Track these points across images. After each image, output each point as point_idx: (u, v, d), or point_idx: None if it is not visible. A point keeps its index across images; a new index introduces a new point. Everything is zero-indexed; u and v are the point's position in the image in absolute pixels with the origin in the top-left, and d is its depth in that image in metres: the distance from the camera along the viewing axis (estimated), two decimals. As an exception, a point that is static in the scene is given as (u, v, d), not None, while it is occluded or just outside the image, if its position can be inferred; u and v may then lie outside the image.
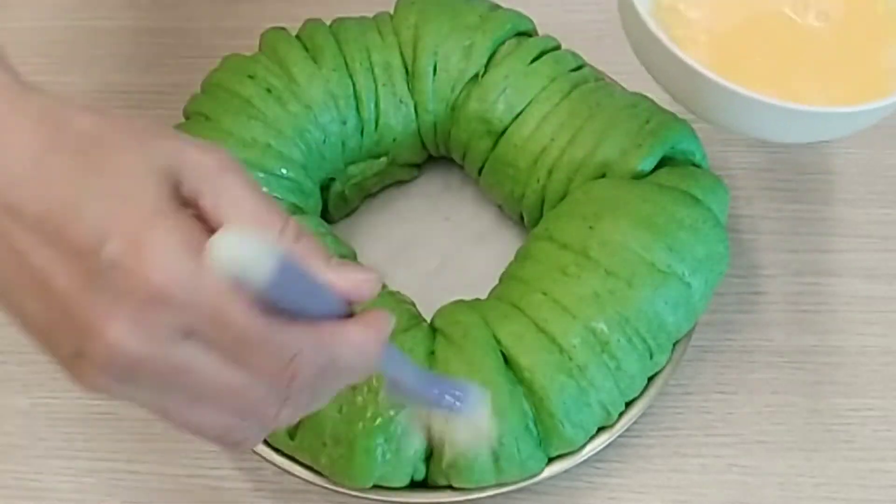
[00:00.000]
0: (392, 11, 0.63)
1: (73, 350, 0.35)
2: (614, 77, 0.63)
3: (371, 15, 0.63)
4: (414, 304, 0.58)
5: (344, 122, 0.60)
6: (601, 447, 0.54)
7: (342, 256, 0.57)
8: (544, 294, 0.53)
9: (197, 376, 0.36)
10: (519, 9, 0.62)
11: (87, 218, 0.34)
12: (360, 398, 0.51)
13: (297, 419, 0.39)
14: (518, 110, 0.59)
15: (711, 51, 0.51)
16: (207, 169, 0.37)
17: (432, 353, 0.53)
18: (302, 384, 0.37)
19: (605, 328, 0.52)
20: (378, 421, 0.51)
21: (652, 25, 0.48)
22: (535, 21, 0.62)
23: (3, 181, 0.35)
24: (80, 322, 0.34)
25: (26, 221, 0.35)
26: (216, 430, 0.38)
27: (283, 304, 0.35)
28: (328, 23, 0.62)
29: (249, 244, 0.33)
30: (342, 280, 0.38)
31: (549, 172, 0.58)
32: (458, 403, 0.46)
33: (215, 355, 0.36)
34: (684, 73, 0.48)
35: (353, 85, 0.60)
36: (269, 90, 0.58)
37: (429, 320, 0.56)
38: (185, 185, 0.36)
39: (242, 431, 0.39)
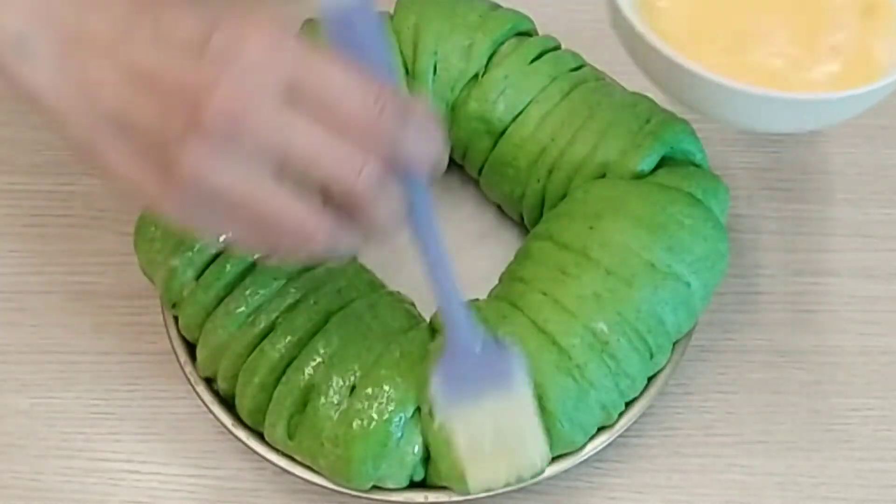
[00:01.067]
0: (392, 11, 0.63)
1: (181, 130, 0.38)
2: (614, 77, 0.63)
3: (371, 15, 0.63)
4: (414, 305, 0.58)
5: (344, 122, 0.60)
6: (601, 447, 0.54)
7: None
8: (544, 294, 0.53)
9: (292, 136, 0.39)
10: (519, 9, 0.62)
11: (194, 20, 0.39)
12: (357, 400, 0.51)
13: (378, 209, 0.41)
14: (518, 110, 0.59)
15: (690, 39, 0.50)
16: None
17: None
18: (384, 132, 0.40)
19: (605, 328, 0.52)
20: (375, 423, 0.51)
21: (632, 20, 0.48)
22: (535, 21, 0.62)
23: (109, 12, 0.41)
24: (189, 95, 0.38)
25: (139, 41, 0.40)
26: (296, 223, 0.40)
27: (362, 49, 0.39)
28: (328, 23, 0.62)
29: None
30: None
31: (549, 172, 0.58)
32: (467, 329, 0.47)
33: (312, 118, 0.39)
34: (665, 65, 0.47)
35: (353, 85, 0.60)
36: (268, 90, 0.58)
37: (428, 320, 0.56)
38: None
39: (322, 232, 0.41)
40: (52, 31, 0.41)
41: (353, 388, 0.52)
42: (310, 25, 0.62)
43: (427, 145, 0.42)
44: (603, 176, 0.57)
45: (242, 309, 0.54)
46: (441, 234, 0.46)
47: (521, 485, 0.53)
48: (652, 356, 0.54)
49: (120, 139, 0.41)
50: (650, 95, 0.60)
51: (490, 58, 0.60)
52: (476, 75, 0.60)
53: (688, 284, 0.54)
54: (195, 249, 0.54)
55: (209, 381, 0.56)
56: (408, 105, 0.41)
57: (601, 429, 0.55)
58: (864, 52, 0.50)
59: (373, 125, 0.40)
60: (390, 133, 0.40)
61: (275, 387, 0.53)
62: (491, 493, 0.53)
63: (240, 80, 0.38)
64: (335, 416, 0.51)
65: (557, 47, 0.62)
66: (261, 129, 0.39)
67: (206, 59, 0.38)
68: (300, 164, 0.40)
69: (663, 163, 0.57)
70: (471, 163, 0.62)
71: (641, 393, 0.55)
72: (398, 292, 0.58)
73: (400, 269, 0.62)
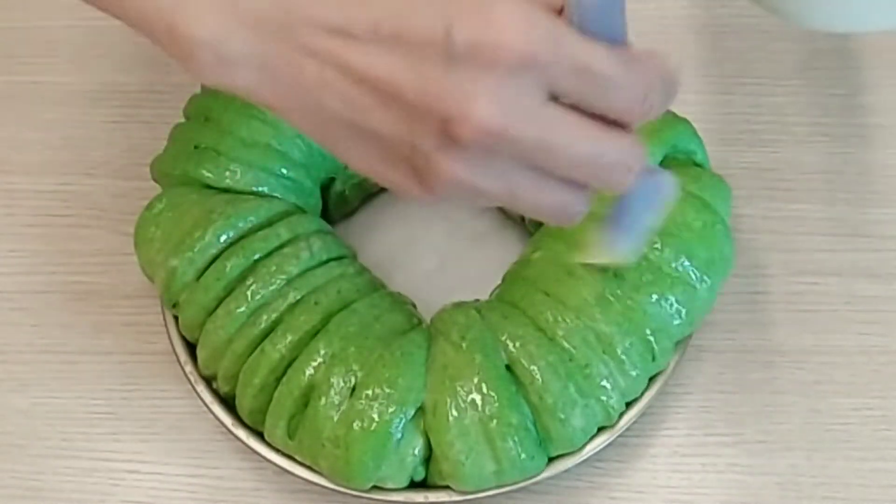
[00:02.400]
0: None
1: (434, 144, 0.35)
2: (614, 77, 0.63)
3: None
4: (414, 305, 0.58)
5: (344, 122, 0.60)
6: (601, 447, 0.54)
7: (341, 257, 0.57)
8: (547, 294, 0.53)
9: (558, 139, 0.36)
10: (519, 9, 0.62)
11: (422, 12, 0.34)
12: (358, 401, 0.51)
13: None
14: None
15: None
16: None
17: (432, 354, 0.53)
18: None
19: (608, 330, 0.52)
20: (376, 424, 0.51)
21: None
22: (535, 21, 0.62)
23: (323, 7, 0.35)
24: (441, 110, 0.35)
25: (359, 38, 0.35)
26: (556, 205, 0.39)
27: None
28: (328, 22, 0.62)
29: None
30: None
31: (550, 172, 0.58)
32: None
33: (576, 116, 0.36)
34: None
35: (353, 85, 0.60)
36: (269, 90, 0.58)
37: (429, 320, 0.57)
38: None
39: (580, 204, 0.40)
40: (247, 30, 0.37)
41: (353, 388, 0.52)
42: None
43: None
44: (603, 176, 0.57)
45: (243, 309, 0.54)
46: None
47: (522, 485, 0.53)
48: (654, 358, 0.54)
49: (360, 142, 0.38)
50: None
51: (490, 58, 0.60)
52: (476, 75, 0.60)
53: (694, 287, 0.53)
54: (195, 249, 0.54)
55: (209, 381, 0.56)
56: (669, 84, 0.38)
57: (601, 429, 0.54)
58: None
59: (642, 119, 0.38)
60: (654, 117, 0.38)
61: (275, 387, 0.53)
62: (491, 493, 0.53)
63: (498, 88, 0.34)
64: (336, 417, 0.51)
65: (557, 47, 0.62)
66: (524, 137, 0.36)
67: (453, 62, 0.34)
68: (565, 166, 0.37)
69: (665, 163, 0.57)
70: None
71: (642, 393, 0.55)
72: (399, 293, 0.58)
73: (400, 269, 0.62)
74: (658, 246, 0.53)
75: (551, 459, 0.54)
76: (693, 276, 0.53)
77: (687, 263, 0.53)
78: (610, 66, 0.36)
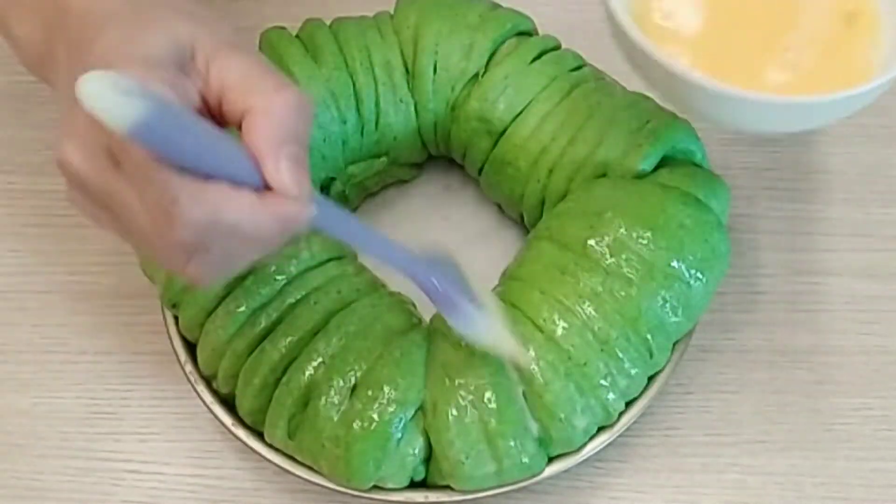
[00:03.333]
0: (392, 11, 0.63)
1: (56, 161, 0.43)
2: (614, 77, 0.63)
3: (371, 15, 0.63)
4: (414, 305, 0.58)
5: (344, 122, 0.60)
6: (602, 447, 0.54)
7: (341, 257, 0.57)
8: (543, 293, 0.53)
9: (121, 206, 0.42)
10: (519, 9, 0.62)
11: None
12: (358, 400, 0.51)
13: (211, 278, 0.43)
14: (518, 110, 0.59)
15: (692, 49, 0.51)
16: (216, 45, 0.42)
17: (431, 354, 0.53)
18: (188, 235, 0.40)
19: (605, 328, 0.52)
20: (376, 423, 0.51)
21: (629, 29, 0.49)
22: (535, 21, 0.62)
23: None
24: (59, 139, 0.42)
25: None
26: (158, 257, 0.43)
27: (167, 153, 0.38)
28: (328, 22, 0.62)
29: (113, 88, 0.36)
30: (276, 175, 0.40)
31: (550, 172, 0.58)
32: (438, 289, 0.49)
33: (132, 191, 0.41)
34: (659, 72, 0.48)
35: (354, 84, 0.60)
36: (269, 90, 0.58)
37: (428, 320, 0.57)
38: (197, 57, 0.42)
39: (172, 267, 0.43)
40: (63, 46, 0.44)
41: (353, 388, 0.52)
42: (310, 25, 0.62)
43: (255, 232, 0.41)
44: (604, 175, 0.57)
45: (243, 309, 0.54)
46: (377, 236, 0.50)
47: (522, 484, 0.53)
48: (652, 356, 0.54)
49: None
50: (650, 95, 0.60)
51: (490, 57, 0.60)
52: (476, 75, 0.60)
53: (689, 285, 0.54)
54: (195, 249, 0.54)
55: (209, 381, 0.56)
56: (216, 203, 0.40)
57: (601, 428, 0.55)
58: (849, 56, 0.52)
59: (165, 222, 0.40)
60: (194, 236, 0.41)
61: (275, 387, 0.53)
62: (491, 493, 0.53)
63: (77, 142, 0.41)
64: (336, 417, 0.51)
65: (557, 47, 0.62)
66: (97, 189, 0.42)
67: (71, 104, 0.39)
68: (125, 221, 0.43)
69: (664, 162, 0.57)
70: (471, 162, 0.62)
71: (641, 393, 0.55)
72: (398, 292, 0.58)
73: (400, 268, 0.62)
74: (652, 244, 0.53)
75: (551, 459, 0.54)
76: (687, 274, 0.53)
77: (681, 261, 0.53)
78: (135, 159, 0.39)
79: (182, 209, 0.39)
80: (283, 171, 0.40)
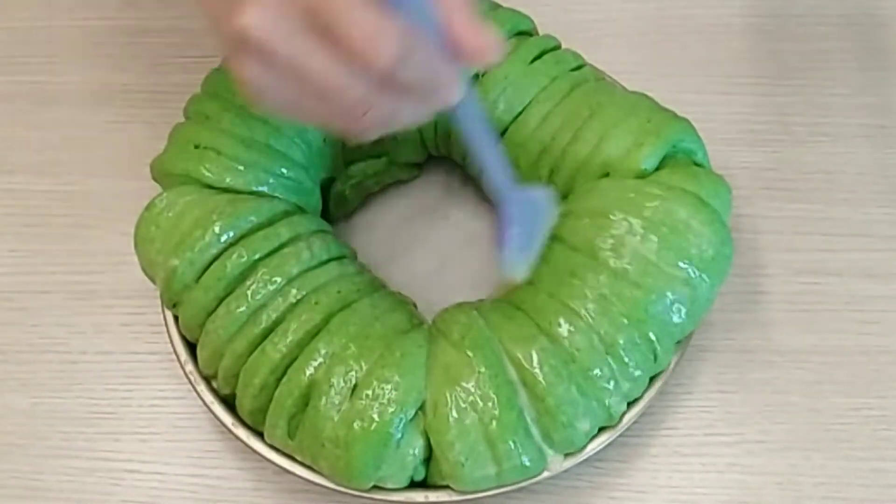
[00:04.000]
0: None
1: (227, 38, 0.41)
2: (614, 77, 0.63)
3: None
4: (415, 305, 0.58)
5: (344, 122, 0.60)
6: (602, 447, 0.54)
7: (341, 257, 0.57)
8: (550, 296, 0.53)
9: (308, 62, 0.40)
10: (519, 9, 0.62)
11: None
12: (358, 400, 0.51)
13: (384, 127, 0.44)
14: (518, 110, 0.59)
15: None
16: None
17: (433, 354, 0.53)
18: (387, 76, 0.40)
19: (610, 331, 0.52)
20: (376, 424, 0.51)
21: None
22: (535, 21, 0.62)
23: None
24: (227, 14, 0.41)
25: None
26: (339, 122, 0.43)
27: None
28: (328, 22, 0.62)
29: None
30: (463, 30, 0.42)
31: (551, 172, 0.58)
32: (511, 191, 0.51)
33: (329, 50, 0.40)
34: None
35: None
36: (269, 90, 0.58)
37: (429, 320, 0.56)
38: None
39: (365, 124, 0.43)
40: None
41: (353, 388, 0.52)
42: None
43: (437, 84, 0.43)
44: (606, 175, 0.57)
45: (243, 309, 0.54)
46: (491, 138, 0.50)
47: (522, 485, 0.53)
48: (656, 358, 0.54)
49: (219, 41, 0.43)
50: (650, 95, 0.60)
51: (490, 57, 0.60)
52: (476, 75, 0.60)
53: (694, 286, 0.53)
54: (195, 249, 0.54)
55: (209, 381, 0.56)
56: (417, 49, 0.41)
57: (602, 429, 0.55)
58: None
59: (369, 58, 0.40)
60: (389, 79, 0.41)
61: (275, 387, 0.53)
62: (491, 493, 0.53)
63: (264, 6, 0.40)
64: (336, 417, 0.51)
65: (557, 47, 0.62)
66: (280, 52, 0.40)
67: None
68: (316, 88, 0.41)
69: (665, 162, 0.57)
70: (471, 163, 0.62)
71: (642, 393, 0.55)
72: (399, 293, 0.58)
73: (400, 269, 0.62)
74: (659, 245, 0.53)
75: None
76: (692, 275, 0.53)
77: (686, 262, 0.53)
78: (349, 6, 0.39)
79: (389, 49, 0.39)
80: (470, 25, 0.42)
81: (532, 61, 0.60)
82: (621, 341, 0.52)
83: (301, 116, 0.44)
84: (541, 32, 0.63)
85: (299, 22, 0.40)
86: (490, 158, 0.50)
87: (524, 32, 0.62)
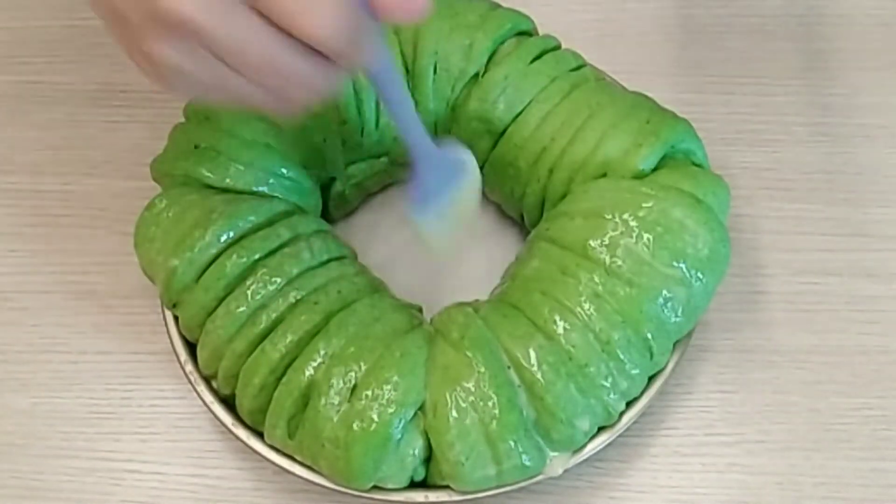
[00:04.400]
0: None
1: (146, 25, 0.39)
2: (614, 77, 0.63)
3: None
4: (414, 306, 0.58)
5: (344, 122, 0.60)
6: (602, 446, 0.54)
7: (341, 257, 0.57)
8: (544, 294, 0.53)
9: (246, 42, 0.39)
10: (519, 9, 0.62)
11: None
12: (358, 401, 0.51)
13: (314, 99, 0.42)
14: (518, 110, 0.59)
15: None
16: None
17: (432, 355, 0.53)
18: (324, 46, 0.39)
19: (605, 328, 0.52)
20: (376, 424, 0.51)
21: None
22: (535, 21, 0.62)
23: None
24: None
25: None
26: (266, 101, 0.42)
27: None
28: (328, 22, 0.62)
29: None
30: None
31: (550, 172, 0.58)
32: (424, 149, 0.52)
33: (268, 27, 0.39)
34: None
35: (354, 84, 0.60)
36: (269, 90, 0.58)
37: (428, 320, 0.56)
38: None
39: (291, 102, 0.42)
40: None
41: (353, 388, 0.52)
42: None
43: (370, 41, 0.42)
44: (604, 176, 0.57)
45: (243, 309, 0.54)
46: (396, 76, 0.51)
47: (522, 484, 0.53)
48: (653, 356, 0.54)
49: (118, 29, 0.41)
50: (650, 95, 0.60)
51: (490, 57, 0.60)
52: (476, 75, 0.60)
53: (689, 285, 0.53)
54: (195, 249, 0.54)
55: (209, 381, 0.56)
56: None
57: (602, 428, 0.55)
58: None
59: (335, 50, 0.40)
60: (345, 52, 0.40)
61: (275, 387, 0.53)
62: (491, 493, 0.53)
63: None
64: (336, 417, 0.51)
65: (557, 47, 0.62)
66: (216, 32, 0.39)
67: None
68: (253, 69, 0.40)
69: (664, 162, 0.57)
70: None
71: (641, 393, 0.55)
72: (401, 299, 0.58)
73: (400, 269, 0.62)
74: (653, 244, 0.53)
75: (552, 458, 0.54)
76: (688, 275, 0.53)
77: (681, 262, 0.53)
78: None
79: (323, 5, 0.38)
80: None
81: (532, 61, 0.60)
82: (617, 339, 0.52)
83: (224, 98, 0.42)
84: (541, 32, 0.63)
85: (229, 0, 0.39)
86: (405, 118, 0.50)
87: (524, 32, 0.62)
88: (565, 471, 0.54)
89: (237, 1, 0.39)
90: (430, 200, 0.54)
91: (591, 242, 0.53)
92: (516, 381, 0.52)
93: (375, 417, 0.51)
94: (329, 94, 0.43)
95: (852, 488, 0.57)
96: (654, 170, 0.57)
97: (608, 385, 0.53)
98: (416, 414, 0.52)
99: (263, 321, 0.54)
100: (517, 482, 0.53)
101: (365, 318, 0.54)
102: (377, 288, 0.57)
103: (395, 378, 0.51)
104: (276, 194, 0.57)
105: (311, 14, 0.39)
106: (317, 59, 0.41)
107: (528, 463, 0.52)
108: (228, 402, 0.56)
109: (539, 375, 0.51)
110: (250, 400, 0.54)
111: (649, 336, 0.53)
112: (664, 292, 0.53)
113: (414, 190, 0.54)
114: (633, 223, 0.54)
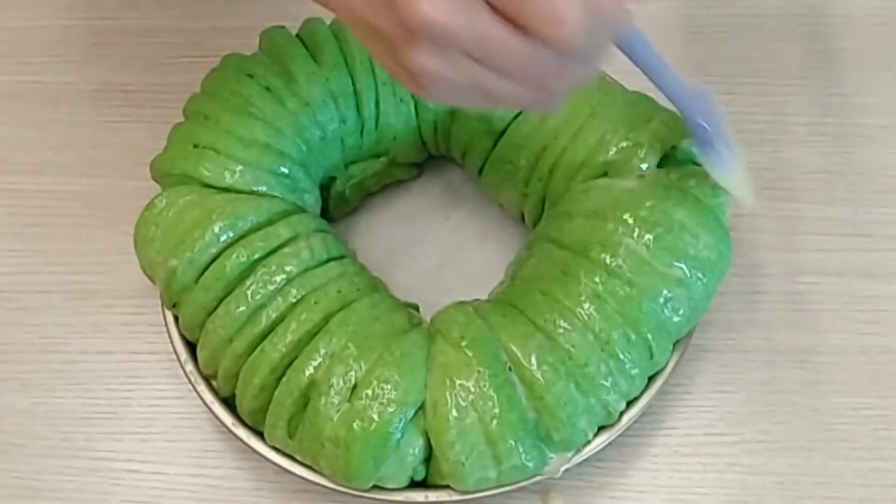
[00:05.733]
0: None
1: (396, 31, 0.40)
2: (614, 76, 0.63)
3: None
4: (411, 305, 0.58)
5: (343, 121, 0.60)
6: (602, 446, 0.54)
7: (341, 256, 0.57)
8: (544, 294, 0.53)
9: (492, 39, 0.39)
10: (519, 8, 0.62)
11: None
12: (358, 400, 0.51)
13: (568, 91, 0.43)
14: (518, 109, 0.59)
15: None
16: None
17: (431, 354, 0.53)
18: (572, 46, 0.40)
19: (605, 328, 0.52)
20: (376, 424, 0.51)
21: None
22: (535, 21, 0.62)
23: None
24: (399, 4, 0.39)
25: None
26: (525, 99, 0.43)
27: None
28: (328, 22, 0.62)
29: None
30: None
31: (550, 171, 0.58)
32: (705, 131, 0.54)
33: (508, 23, 0.39)
34: None
35: (354, 84, 0.60)
36: (268, 88, 0.58)
37: (428, 320, 0.56)
38: None
39: (550, 98, 0.43)
40: None
41: (353, 388, 0.52)
42: (310, 24, 0.62)
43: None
44: (604, 175, 0.57)
45: (243, 309, 0.54)
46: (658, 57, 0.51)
47: (522, 484, 0.53)
48: (652, 356, 0.54)
49: (372, 40, 0.43)
50: (650, 95, 0.60)
51: (490, 58, 0.60)
52: (476, 75, 0.60)
53: (689, 285, 0.53)
54: (195, 249, 0.54)
55: (209, 381, 0.56)
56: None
57: (602, 428, 0.55)
58: None
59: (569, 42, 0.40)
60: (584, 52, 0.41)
61: (275, 387, 0.53)
62: (491, 493, 0.53)
63: None
64: (336, 417, 0.51)
65: (557, 47, 0.62)
66: (462, 33, 0.39)
67: None
68: (503, 65, 0.40)
69: (664, 162, 0.57)
70: (471, 163, 0.62)
71: (642, 392, 0.55)
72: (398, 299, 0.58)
73: (400, 269, 0.62)
74: (653, 244, 0.53)
75: (552, 458, 0.54)
76: (688, 275, 0.53)
77: (682, 262, 0.53)
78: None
79: (567, 7, 0.39)
80: None
81: (532, 61, 0.60)
82: (617, 339, 0.52)
83: (481, 101, 0.43)
84: (541, 32, 0.63)
85: (474, 4, 0.39)
86: (665, 80, 0.52)
87: (524, 32, 0.62)
88: (565, 471, 0.54)
89: (480, 5, 0.39)
90: (715, 142, 0.54)
91: (593, 242, 0.53)
92: (516, 380, 0.52)
93: (375, 417, 0.51)
94: (588, 80, 0.44)
95: (852, 488, 0.57)
96: (655, 169, 0.57)
97: (608, 385, 0.53)
98: (416, 413, 0.52)
99: (263, 321, 0.54)
100: (517, 482, 0.53)
101: (365, 318, 0.54)
102: (377, 287, 0.57)
103: (396, 377, 0.51)
104: (275, 194, 0.57)
105: (556, 16, 0.39)
106: (569, 57, 0.41)
107: (528, 463, 0.52)
108: (228, 402, 0.56)
109: (539, 375, 0.51)
110: (250, 400, 0.54)
111: (649, 336, 0.53)
112: (664, 292, 0.53)
113: (700, 146, 0.55)
114: (633, 223, 0.54)
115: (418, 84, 0.42)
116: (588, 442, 0.54)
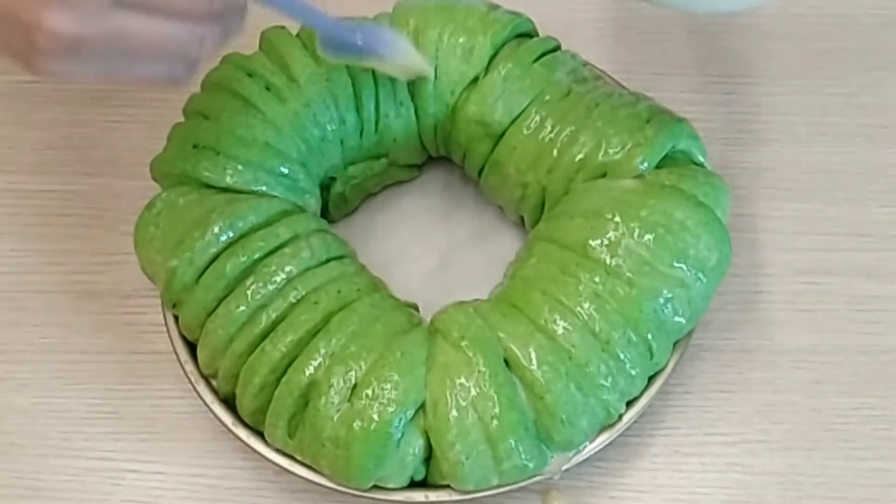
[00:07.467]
0: (390, 14, 0.63)
1: (24, 46, 0.41)
2: (614, 77, 0.63)
3: (371, 15, 0.63)
4: (410, 304, 0.58)
5: (343, 122, 0.60)
6: (602, 446, 0.54)
7: (341, 256, 0.57)
8: (544, 294, 0.53)
9: (131, 37, 0.42)
10: (519, 9, 0.62)
11: None
12: (358, 400, 0.51)
13: (217, 51, 0.46)
14: (517, 112, 0.59)
15: None
16: None
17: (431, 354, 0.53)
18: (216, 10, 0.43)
19: (605, 328, 0.52)
20: (376, 424, 0.51)
21: None
22: (535, 21, 0.62)
23: None
24: (22, 21, 0.40)
25: None
26: (158, 77, 0.45)
27: None
28: (328, 22, 0.62)
29: None
30: None
31: (549, 172, 0.58)
32: (372, 44, 0.56)
33: (142, 15, 0.41)
34: None
35: (353, 85, 0.60)
36: (267, 88, 0.58)
37: (428, 320, 0.56)
38: None
39: (178, 71, 0.45)
40: None
41: (353, 388, 0.52)
42: (266, 35, 0.62)
43: None
44: (604, 175, 0.57)
45: (243, 309, 0.54)
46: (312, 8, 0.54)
47: (522, 484, 0.53)
48: (653, 356, 0.54)
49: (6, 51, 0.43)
50: (650, 95, 0.60)
51: (490, 60, 0.60)
52: (476, 78, 0.60)
53: (690, 285, 0.54)
54: (195, 249, 0.54)
55: (209, 381, 0.56)
56: None
57: (602, 428, 0.54)
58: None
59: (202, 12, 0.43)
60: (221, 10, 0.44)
61: (275, 387, 0.53)
62: (491, 493, 0.53)
63: (63, 4, 0.39)
64: (336, 417, 0.51)
65: (557, 48, 0.62)
66: (97, 38, 0.41)
67: None
68: (141, 52, 0.43)
69: (664, 162, 0.57)
70: (471, 165, 0.62)
71: (642, 392, 0.55)
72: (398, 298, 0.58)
73: (400, 269, 0.62)
74: (653, 244, 0.53)
75: (552, 458, 0.54)
76: (689, 275, 0.53)
77: (682, 262, 0.53)
78: None
79: None
80: None
81: (532, 63, 0.60)
82: (617, 339, 0.52)
83: (118, 81, 0.44)
84: (541, 32, 0.63)
85: (101, 3, 0.40)
86: (315, 19, 0.54)
87: (525, 34, 0.62)
88: (565, 471, 0.54)
89: (107, 2, 0.40)
90: (378, 46, 0.57)
91: (592, 242, 0.53)
92: (516, 380, 0.52)
93: (376, 417, 0.51)
94: (224, 42, 0.46)
95: (852, 488, 0.57)
96: (655, 170, 0.57)
97: (608, 385, 0.53)
98: (416, 413, 0.52)
99: (263, 321, 0.54)
100: (517, 482, 0.53)
101: (365, 318, 0.54)
102: (377, 287, 0.57)
103: (396, 377, 0.51)
104: (275, 194, 0.57)
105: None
106: (186, 26, 0.43)
107: (528, 463, 0.52)
108: (228, 402, 0.56)
109: (539, 375, 0.51)
110: (250, 399, 0.54)
111: (649, 336, 0.53)
112: (664, 292, 0.53)
113: (367, 48, 0.56)
114: (633, 223, 0.54)
115: (54, 79, 0.44)
116: (588, 442, 0.54)
